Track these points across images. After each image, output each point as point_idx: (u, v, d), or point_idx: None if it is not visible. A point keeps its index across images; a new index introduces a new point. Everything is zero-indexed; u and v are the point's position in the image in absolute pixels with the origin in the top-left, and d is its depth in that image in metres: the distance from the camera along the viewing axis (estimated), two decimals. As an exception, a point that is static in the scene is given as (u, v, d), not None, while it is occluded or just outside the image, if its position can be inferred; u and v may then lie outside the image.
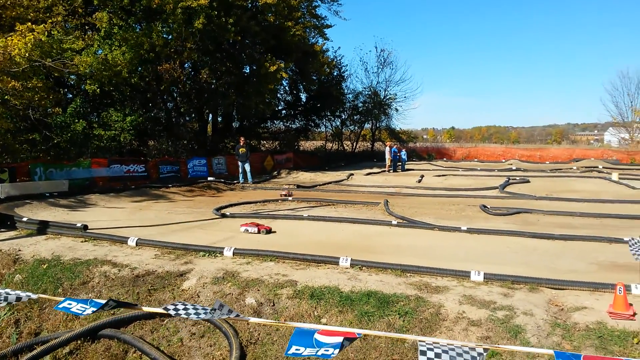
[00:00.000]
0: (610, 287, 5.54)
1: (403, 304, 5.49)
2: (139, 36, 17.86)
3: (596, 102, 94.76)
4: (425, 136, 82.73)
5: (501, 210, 12.32)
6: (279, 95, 29.84)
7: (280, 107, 31.82)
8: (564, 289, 5.94)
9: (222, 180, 19.31)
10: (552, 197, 15.15)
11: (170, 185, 16.95)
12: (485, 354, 2.37)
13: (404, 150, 29.14)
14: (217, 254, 7.46)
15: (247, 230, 9.28)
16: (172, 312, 2.89)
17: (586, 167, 27.92)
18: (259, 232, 9.18)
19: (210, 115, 26.42)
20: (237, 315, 3.08)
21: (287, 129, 33.80)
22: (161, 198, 14.81)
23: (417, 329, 5.05)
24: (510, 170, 26.45)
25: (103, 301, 3.09)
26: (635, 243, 5.84)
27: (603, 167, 27.46)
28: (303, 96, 33.02)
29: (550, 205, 13.30)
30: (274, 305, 5.72)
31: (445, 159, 37.11)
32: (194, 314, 2.88)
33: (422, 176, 21.74)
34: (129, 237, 8.27)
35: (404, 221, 10.70)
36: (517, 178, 20.62)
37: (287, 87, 31.38)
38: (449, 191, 16.71)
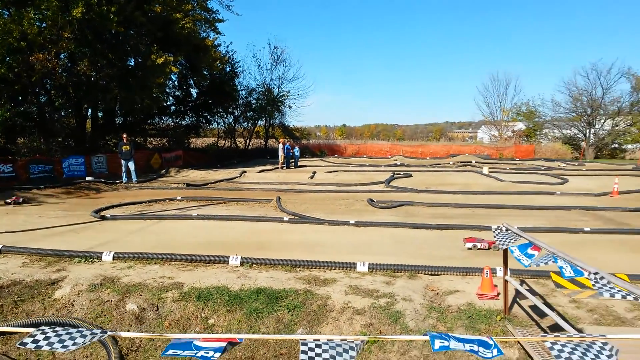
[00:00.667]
0: (478, 271, 6.13)
1: (292, 298, 5.57)
2: (7, 23, 15.99)
3: (471, 102, 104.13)
4: (318, 133, 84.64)
5: (386, 203, 13.00)
6: (167, 90, 28.51)
7: (169, 103, 30.42)
8: (439, 275, 6.45)
9: (103, 180, 18.00)
10: (431, 190, 16.31)
11: (42, 187, 15.43)
12: (362, 344, 2.47)
13: (297, 147, 29.51)
14: (95, 259, 6.96)
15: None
16: (31, 345, 2.26)
17: (461, 162, 30.49)
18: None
19: (90, 110, 24.47)
20: (102, 337, 2.82)
21: (177, 125, 32.40)
22: (32, 201, 13.44)
23: (305, 322, 5.15)
24: (396, 165, 28.01)
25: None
26: (500, 232, 6.50)
27: (476, 162, 30.20)
28: (194, 92, 31.92)
29: (429, 198, 14.31)
30: (157, 309, 5.48)
31: (336, 155, 38.26)
32: (61, 347, 2.28)
33: (315, 172, 22.20)
34: (-9, 245, 7.40)
35: (296, 217, 10.84)
36: (401, 173, 21.89)
37: (176, 82, 30.13)
38: (340, 186, 17.25)
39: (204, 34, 25.70)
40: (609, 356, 2.50)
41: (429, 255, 7.62)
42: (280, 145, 26.06)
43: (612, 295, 3.09)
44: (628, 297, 3.02)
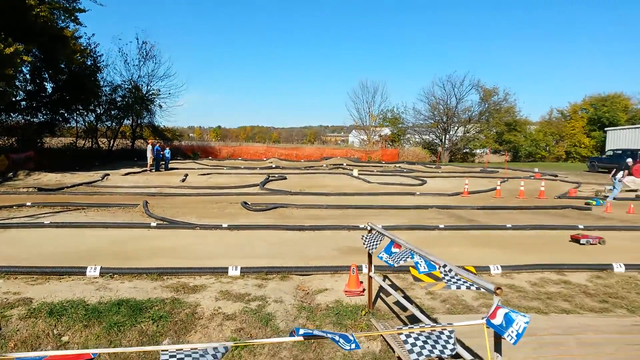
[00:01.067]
0: (347, 269, 6.38)
1: (158, 308, 5.27)
2: None
3: (343, 107, 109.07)
4: (191, 134, 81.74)
5: (261, 206, 12.99)
6: (17, 83, 25.30)
7: (19, 98, 27.00)
8: (310, 274, 6.60)
9: None
10: (305, 192, 16.69)
11: None
12: (226, 351, 2.41)
13: (167, 148, 28.17)
14: None
15: None
16: None
17: (333, 165, 31.71)
18: None
19: None
20: None
21: (28, 123, 28.92)
22: None
23: (172, 332, 4.91)
24: (271, 168, 28.18)
25: None
26: (366, 237, 6.86)
27: (347, 165, 31.61)
28: (49, 86, 28.70)
29: (303, 200, 14.62)
30: (0, 329, 4.81)
31: (210, 157, 37.30)
32: None
33: (187, 175, 21.40)
34: None
35: (165, 222, 10.34)
36: (276, 175, 22.08)
37: (28, 75, 26.91)
38: (213, 189, 16.85)
39: (63, 24, 23.38)
40: (454, 342, 2.77)
41: (302, 256, 7.77)
42: (150, 147, 24.68)
43: (458, 287, 3.40)
44: (472, 288, 3.36)
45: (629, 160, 20.02)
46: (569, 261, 7.35)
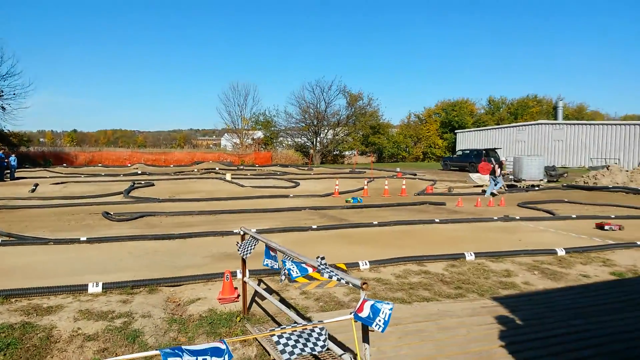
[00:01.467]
0: (220, 276, 6.25)
1: (5, 335, 4.65)
2: None
3: (214, 110, 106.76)
4: (42, 139, 73.62)
5: (125, 215, 12.16)
6: None
7: None
8: (181, 285, 6.34)
9: None
10: (175, 198, 16.02)
11: None
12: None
13: (13, 155, 24.98)
14: None
15: None
16: None
17: (205, 169, 30.91)
18: None
19: None
20: None
21: None
22: None
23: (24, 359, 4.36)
24: (137, 174, 26.55)
25: None
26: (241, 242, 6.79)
27: (219, 169, 31.03)
28: None
29: (173, 207, 14.02)
30: None
31: (65, 164, 33.85)
32: None
33: (37, 185, 19.19)
34: None
35: (12, 238, 9.17)
36: (143, 182, 20.89)
37: None
38: (69, 200, 15.36)
39: None
40: (324, 339, 2.86)
41: (171, 266, 7.43)
42: None
43: (330, 277, 3.51)
44: (342, 281, 3.49)
45: (503, 158, 23.61)
46: (428, 253, 8.05)
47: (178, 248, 8.74)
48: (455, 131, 50.97)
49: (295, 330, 2.82)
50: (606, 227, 11.01)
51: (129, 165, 34.33)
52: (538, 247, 8.73)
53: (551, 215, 13.17)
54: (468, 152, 36.76)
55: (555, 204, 16.04)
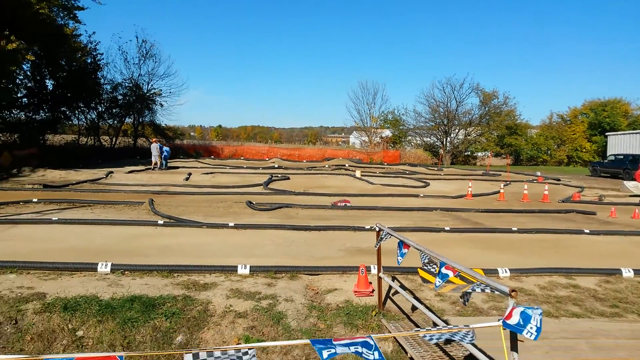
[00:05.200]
0: (355, 269, 6.42)
1: (170, 305, 5.31)
2: None
3: (344, 108, 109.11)
4: (192, 133, 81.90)
5: (265, 205, 13.04)
6: (18, 80, 25.36)
7: (20, 95, 27.03)
8: (319, 274, 6.64)
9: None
10: (308, 192, 16.74)
11: None
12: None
13: (167, 147, 28.19)
14: None
15: None
16: None
17: (336, 166, 31.74)
18: None
19: None
20: None
21: (30, 119, 28.96)
22: None
23: (185, 329, 4.95)
24: (273, 168, 28.23)
25: None
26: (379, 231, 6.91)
27: (349, 165, 31.66)
28: (49, 83, 28.82)
29: (307, 200, 14.67)
30: (16, 323, 4.86)
31: (212, 156, 37.34)
32: None
33: (190, 174, 21.45)
34: None
35: (171, 220, 10.39)
36: (279, 175, 22.13)
37: (29, 72, 27.00)
38: (217, 189, 16.89)
39: (62, 22, 23.45)
40: (471, 339, 2.81)
41: (308, 255, 7.81)
42: (155, 145, 24.70)
43: (472, 289, 3.44)
44: (486, 290, 3.40)
45: None
46: (575, 265, 7.39)
47: (314, 239, 9.14)
48: (606, 134, 45.55)
49: (442, 332, 2.82)
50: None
51: (267, 159, 36.65)
52: None
53: None
54: (622, 157, 32.66)
55: None
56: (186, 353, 2.33)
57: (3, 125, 27.54)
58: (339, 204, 13.61)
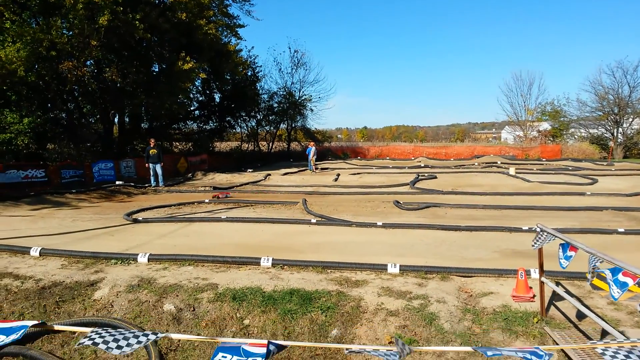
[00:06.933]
0: (512, 272, 6.06)
1: (325, 299, 5.61)
2: (36, 32, 16.48)
3: (493, 102, 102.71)
4: (339, 135, 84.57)
5: (412, 205, 12.95)
6: (191, 95, 29.00)
7: (192, 108, 30.90)
8: (472, 276, 6.40)
9: (132, 184, 18.40)
10: (457, 191, 16.18)
11: (74, 191, 15.86)
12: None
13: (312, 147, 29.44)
14: (131, 261, 7.13)
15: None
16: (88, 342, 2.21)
17: (486, 163, 30.11)
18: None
19: (117, 116, 25.01)
20: (155, 339, 2.73)
21: (201, 129, 32.91)
22: (64, 205, 13.81)
23: (339, 323, 5.19)
24: (419, 167, 27.84)
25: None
26: (540, 232, 6.43)
27: (501, 163, 29.79)
28: (217, 96, 32.39)
29: (455, 199, 14.20)
30: (194, 310, 5.59)
31: (359, 157, 38.20)
32: (116, 347, 2.24)
33: (339, 175, 22.24)
34: (31, 247, 7.65)
35: (323, 219, 10.89)
36: (426, 174, 21.76)
37: (200, 87, 30.64)
38: (364, 189, 17.26)
39: (226, 40, 26.04)
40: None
41: (459, 256, 7.57)
42: (312, 149, 25.88)
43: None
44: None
45: None
46: None
47: (465, 240, 8.83)
48: None
49: (622, 346, 2.52)
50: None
51: (412, 158, 36.30)
52: None
53: None
54: None
55: None
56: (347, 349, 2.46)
57: (180, 135, 31.71)
58: (220, 196, 14.95)
